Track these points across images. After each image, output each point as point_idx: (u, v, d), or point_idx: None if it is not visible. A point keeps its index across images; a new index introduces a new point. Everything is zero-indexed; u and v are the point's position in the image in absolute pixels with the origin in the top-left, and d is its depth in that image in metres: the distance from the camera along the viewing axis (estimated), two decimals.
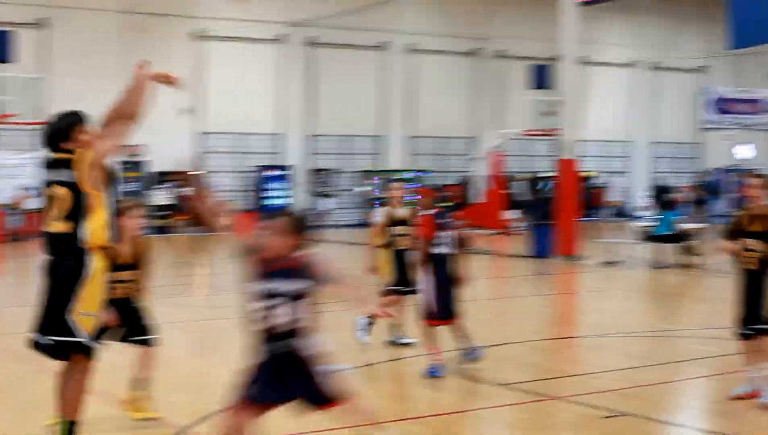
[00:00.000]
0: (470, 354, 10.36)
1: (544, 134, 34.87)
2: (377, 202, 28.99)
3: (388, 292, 11.33)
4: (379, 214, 11.73)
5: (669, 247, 22.63)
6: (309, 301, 5.66)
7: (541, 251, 24.39)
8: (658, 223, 22.99)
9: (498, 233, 29.72)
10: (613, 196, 46.38)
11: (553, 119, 31.57)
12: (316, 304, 5.67)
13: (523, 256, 24.79)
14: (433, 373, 9.88)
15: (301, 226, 5.79)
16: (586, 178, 43.05)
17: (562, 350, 12.35)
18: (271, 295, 5.61)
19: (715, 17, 45.64)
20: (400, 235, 11.39)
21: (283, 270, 5.64)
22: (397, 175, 34.17)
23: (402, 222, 11.46)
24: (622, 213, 45.30)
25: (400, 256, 11.39)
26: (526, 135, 35.71)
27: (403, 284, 11.33)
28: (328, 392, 5.70)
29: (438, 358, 9.97)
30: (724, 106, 49.28)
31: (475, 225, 31.66)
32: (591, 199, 44.64)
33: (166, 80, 7.04)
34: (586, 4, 26.28)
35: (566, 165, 24.76)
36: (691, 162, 48.99)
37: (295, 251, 5.70)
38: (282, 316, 5.60)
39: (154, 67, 6.87)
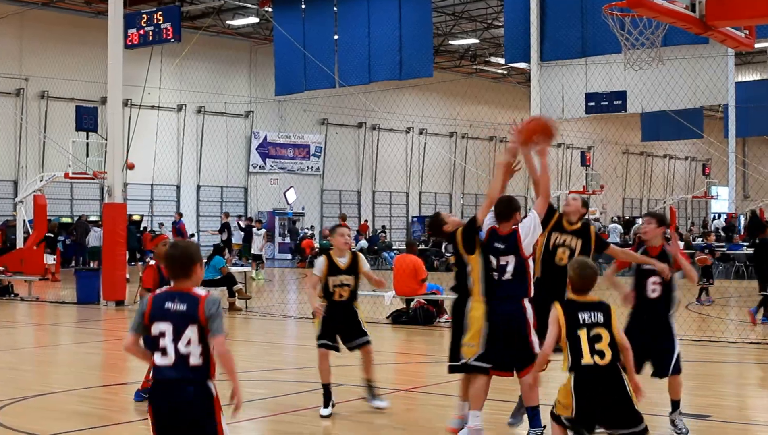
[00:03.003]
0: None
1: (90, 177, 34.14)
2: None
3: None
4: None
5: (216, 291, 22.84)
6: None
7: (86, 297, 23.74)
8: (205, 266, 23.16)
9: (41, 279, 28.57)
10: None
11: (99, 162, 30.95)
12: None
13: (69, 303, 23.99)
14: None
15: None
16: (135, 222, 42.72)
17: (110, 398, 11.92)
18: None
19: (260, 65, 47.36)
20: None
21: None
22: None
23: None
24: None
25: None
26: (71, 178, 34.69)
27: None
28: None
29: None
30: (269, 150, 51.12)
31: (16, 270, 30.32)
32: (139, 243, 44.33)
33: None
34: (132, 47, 26.10)
35: (112, 209, 24.27)
36: (240, 205, 50.11)
37: None
38: None
39: None
